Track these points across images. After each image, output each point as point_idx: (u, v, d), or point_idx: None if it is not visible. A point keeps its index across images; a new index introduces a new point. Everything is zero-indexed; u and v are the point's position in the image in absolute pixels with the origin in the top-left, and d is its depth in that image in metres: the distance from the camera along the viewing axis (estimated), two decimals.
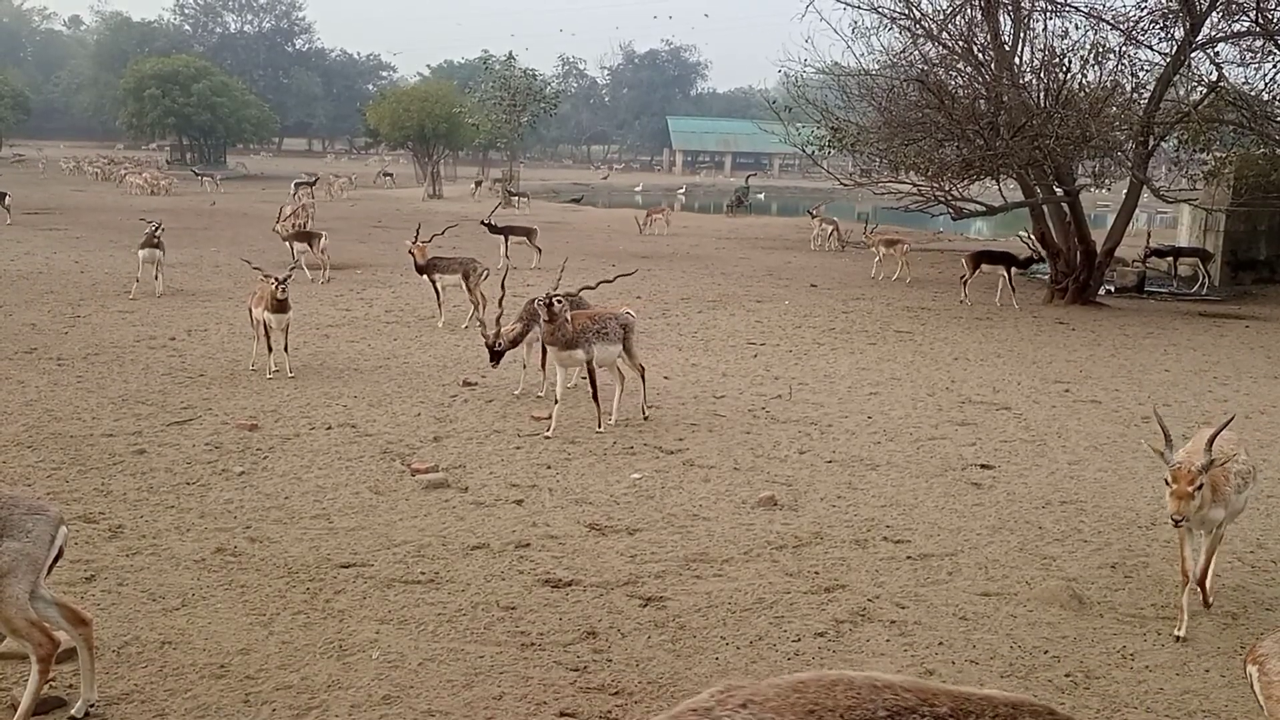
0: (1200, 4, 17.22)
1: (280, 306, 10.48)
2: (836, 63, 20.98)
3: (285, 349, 10.86)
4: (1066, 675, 4.97)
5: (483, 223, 21.95)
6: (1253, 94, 18.69)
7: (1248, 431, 9.67)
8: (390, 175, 56.73)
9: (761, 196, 57.57)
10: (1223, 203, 21.27)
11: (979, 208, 19.63)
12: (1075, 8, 18.46)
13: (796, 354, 12.89)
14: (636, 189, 61.16)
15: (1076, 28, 18.81)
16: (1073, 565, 6.35)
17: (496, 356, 9.84)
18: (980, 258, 18.64)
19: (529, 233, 21.32)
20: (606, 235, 29.36)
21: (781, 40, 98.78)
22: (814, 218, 29.39)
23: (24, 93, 77.65)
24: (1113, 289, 20.56)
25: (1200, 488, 5.23)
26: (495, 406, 9.81)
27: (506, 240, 20.76)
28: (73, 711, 4.35)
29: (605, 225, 32.10)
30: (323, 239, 18.58)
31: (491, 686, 4.74)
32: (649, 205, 37.63)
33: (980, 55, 18.92)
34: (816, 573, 6.13)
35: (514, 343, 9.95)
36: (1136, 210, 19.81)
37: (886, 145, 19.11)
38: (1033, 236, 19.82)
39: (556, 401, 9.05)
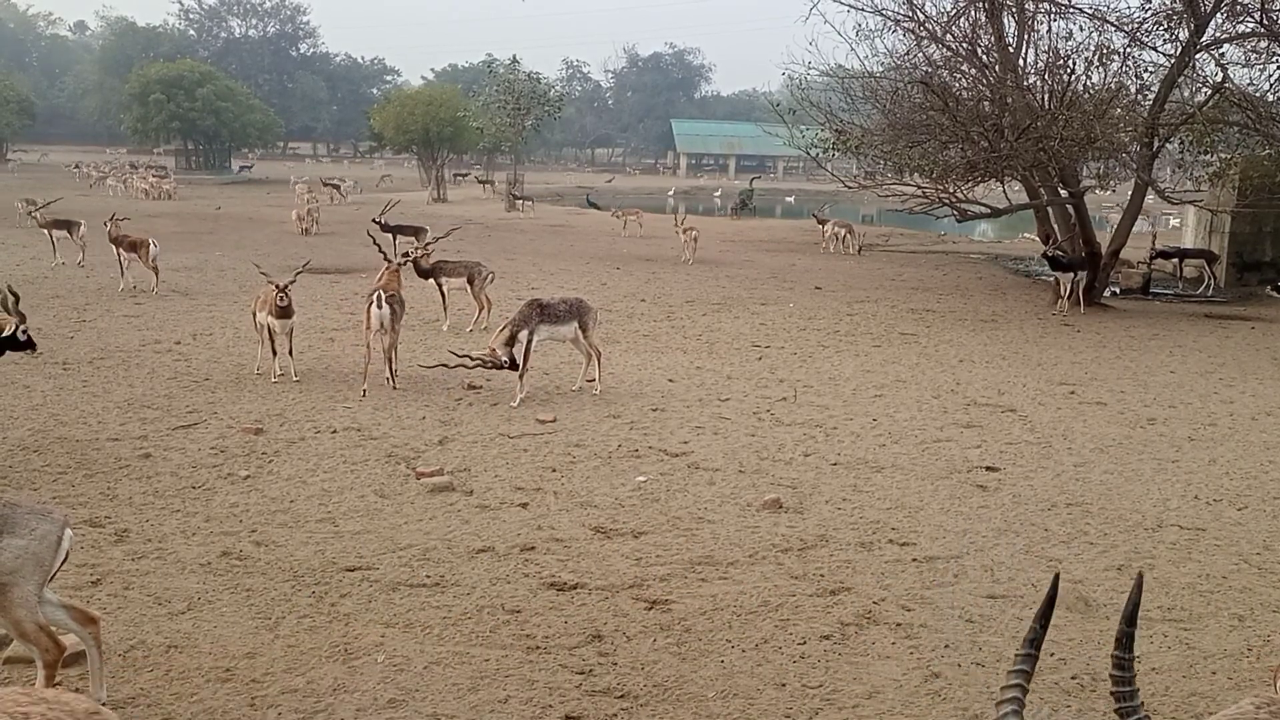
0: (1204, 5, 17.18)
1: (284, 311, 10.49)
2: (840, 65, 20.96)
3: (290, 353, 10.88)
4: (1073, 678, 4.96)
5: (374, 220, 21.95)
6: (1258, 95, 18.65)
7: (1254, 434, 9.66)
8: (385, 178, 56.59)
9: (791, 200, 57.93)
10: (1228, 204, 21.24)
11: (984, 210, 19.60)
12: (1079, 9, 18.44)
13: (801, 356, 12.88)
14: (669, 192, 61.84)
15: (1081, 29, 18.78)
16: (1079, 567, 6.34)
17: (514, 366, 9.92)
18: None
19: (418, 232, 20.99)
20: (610, 238, 29.37)
21: (785, 43, 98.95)
22: (822, 224, 29.28)
23: (29, 98, 77.91)
24: (1118, 291, 20.53)
25: None
26: (500, 410, 9.81)
27: (396, 239, 20.77)
28: None
29: (609, 228, 32.11)
30: (81, 226, 19.35)
31: (497, 690, 4.74)
32: (665, 208, 38.00)
33: (984, 57, 18.90)
34: (822, 575, 6.12)
35: (510, 343, 9.98)
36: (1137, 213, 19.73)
37: (891, 147, 19.08)
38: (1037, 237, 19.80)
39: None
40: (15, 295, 8.25)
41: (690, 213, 43.86)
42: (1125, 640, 2.39)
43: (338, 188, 44.29)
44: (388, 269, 11.72)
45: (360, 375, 10.74)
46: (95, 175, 49.42)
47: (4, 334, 8.06)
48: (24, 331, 8.17)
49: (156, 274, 16.44)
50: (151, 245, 16.63)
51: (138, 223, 25.00)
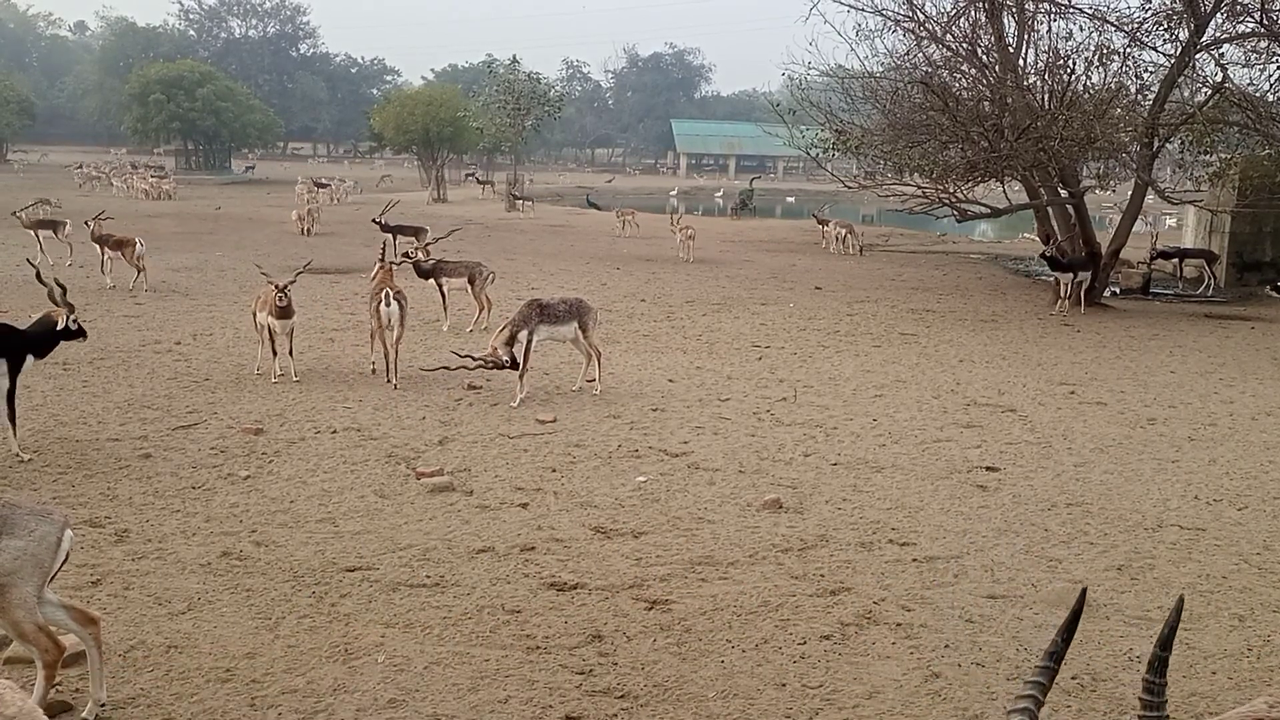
0: (1204, 5, 17.19)
1: (284, 312, 10.49)
2: (840, 65, 20.99)
3: (290, 353, 10.88)
4: (1073, 678, 4.95)
5: (374, 220, 22.00)
6: (1258, 95, 18.66)
7: (1254, 434, 9.66)
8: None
9: (792, 200, 58.01)
10: (1228, 204, 21.24)
11: (984, 210, 19.61)
12: (1079, 9, 18.45)
13: (801, 356, 12.88)
14: (672, 192, 61.99)
15: (1081, 29, 18.81)
16: (1079, 567, 6.34)
17: (515, 366, 9.93)
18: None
19: (418, 232, 21.01)
20: (610, 239, 29.37)
21: (785, 43, 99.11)
22: (823, 224, 29.26)
23: (29, 98, 77.91)
24: (1118, 291, 20.52)
25: None
26: (500, 410, 9.81)
27: (396, 239, 20.85)
28: (83, 714, 4.36)
29: (609, 229, 32.09)
30: (66, 226, 19.60)
31: (497, 690, 4.74)
32: (668, 209, 38.12)
33: (984, 57, 18.92)
34: (822, 575, 6.12)
35: (510, 345, 9.99)
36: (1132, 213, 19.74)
37: (891, 148, 19.09)
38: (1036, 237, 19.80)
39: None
40: (62, 287, 8.47)
41: (690, 213, 43.98)
42: (1158, 665, 2.29)
43: (326, 187, 44.12)
44: (381, 268, 11.81)
45: (361, 375, 10.74)
46: (91, 175, 48.98)
47: (59, 327, 8.27)
48: (74, 321, 8.39)
49: (141, 272, 16.59)
50: (138, 244, 16.81)
51: (138, 223, 25.05)
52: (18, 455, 7.78)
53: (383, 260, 12.00)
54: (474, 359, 9.86)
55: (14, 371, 7.77)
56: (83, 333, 8.51)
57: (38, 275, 8.83)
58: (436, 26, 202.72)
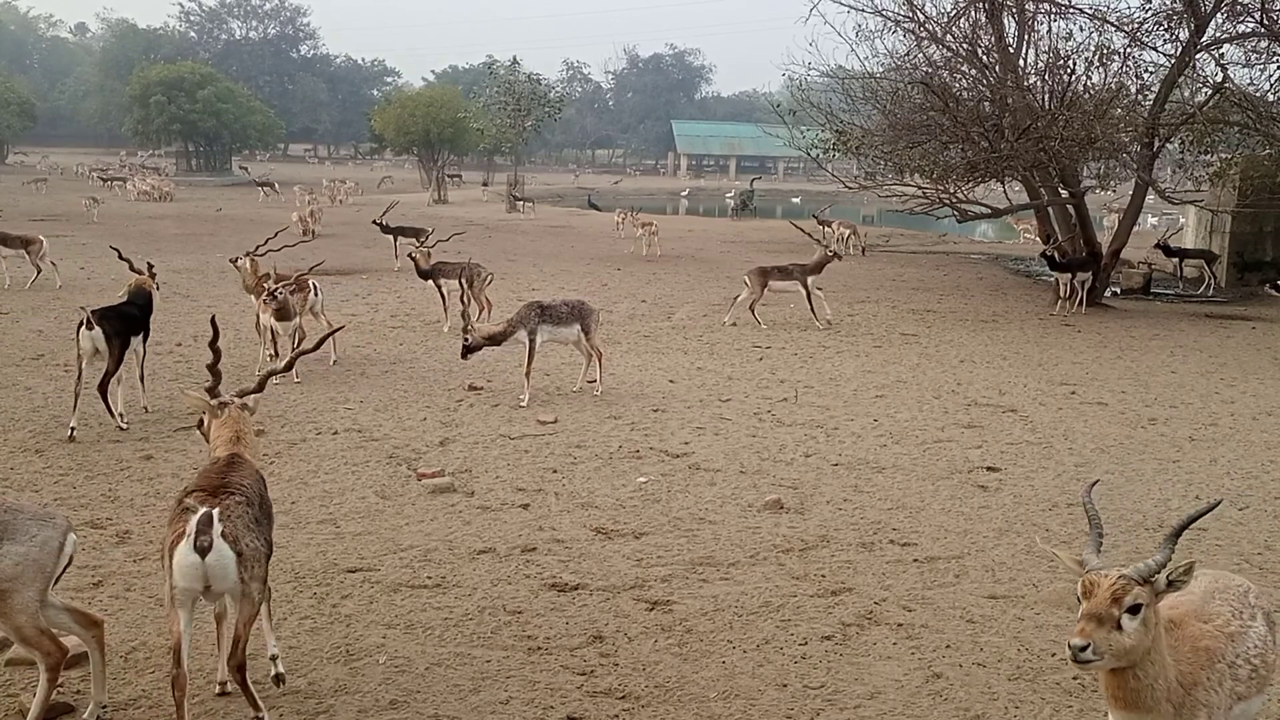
0: (1205, 5, 17.19)
1: (285, 314, 10.50)
2: (841, 66, 21.01)
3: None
4: (1074, 678, 4.95)
5: (375, 222, 22.00)
6: (1258, 95, 18.66)
7: (1255, 434, 9.65)
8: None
9: (796, 201, 57.95)
10: (1228, 204, 21.23)
11: (984, 210, 19.61)
12: (1079, 10, 18.45)
13: (802, 357, 12.88)
14: (683, 193, 61.84)
15: (1081, 29, 18.82)
16: None
17: (467, 351, 10.18)
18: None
19: (419, 233, 20.99)
20: (610, 240, 29.35)
21: (785, 44, 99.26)
22: (824, 225, 29.22)
23: (30, 100, 77.97)
24: (1119, 291, 20.51)
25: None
26: (501, 411, 9.82)
27: (396, 241, 20.83)
28: (85, 716, 4.36)
29: (609, 230, 32.08)
30: None
31: (498, 690, 4.75)
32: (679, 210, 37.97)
33: (984, 58, 18.91)
34: (823, 576, 6.12)
35: (490, 339, 10.10)
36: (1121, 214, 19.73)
37: (891, 148, 19.10)
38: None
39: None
40: (149, 263, 10.43)
41: (692, 213, 43.89)
42: None
43: (272, 185, 44.31)
44: (249, 260, 12.36)
45: (363, 375, 10.74)
46: (39, 178, 47.78)
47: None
48: (159, 286, 10.23)
49: (39, 271, 16.86)
50: (41, 242, 17.25)
51: (139, 224, 25.06)
52: (120, 424, 8.74)
53: (249, 253, 12.60)
54: (472, 323, 10.21)
55: (144, 341, 9.39)
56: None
57: (119, 254, 10.94)
58: (437, 28, 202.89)
